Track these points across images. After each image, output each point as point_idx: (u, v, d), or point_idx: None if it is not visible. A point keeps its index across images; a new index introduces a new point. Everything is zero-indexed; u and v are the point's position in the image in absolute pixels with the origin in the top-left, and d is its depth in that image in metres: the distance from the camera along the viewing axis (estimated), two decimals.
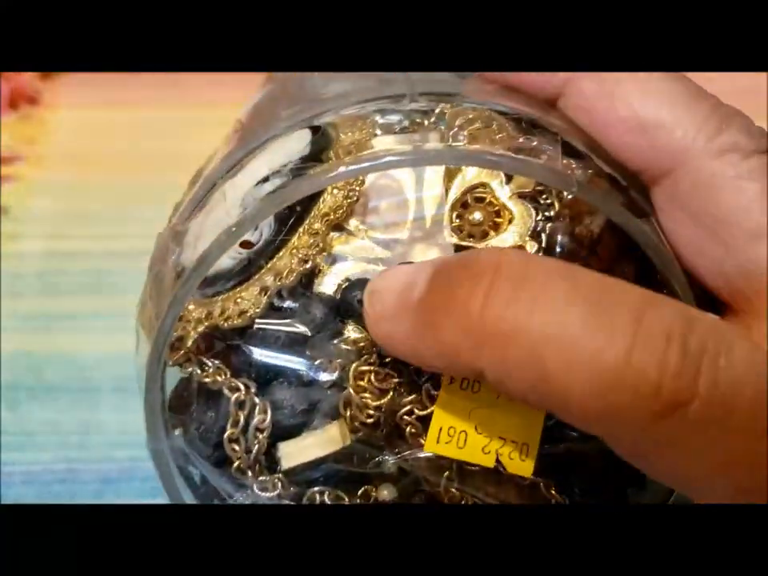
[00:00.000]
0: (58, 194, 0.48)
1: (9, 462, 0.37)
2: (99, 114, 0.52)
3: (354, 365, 0.25)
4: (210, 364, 0.26)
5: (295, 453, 0.25)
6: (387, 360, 0.25)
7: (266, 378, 0.26)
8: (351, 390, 0.25)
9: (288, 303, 0.26)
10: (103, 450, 0.37)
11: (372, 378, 0.25)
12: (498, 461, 0.24)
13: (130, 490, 0.36)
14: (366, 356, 0.25)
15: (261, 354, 0.25)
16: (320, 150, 0.25)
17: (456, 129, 0.25)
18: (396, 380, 0.25)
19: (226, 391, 0.25)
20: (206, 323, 0.25)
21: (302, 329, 0.25)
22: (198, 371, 0.26)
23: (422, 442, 0.25)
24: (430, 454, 0.25)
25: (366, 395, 0.25)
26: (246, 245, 0.25)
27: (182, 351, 0.25)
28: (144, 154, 0.50)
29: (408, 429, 0.26)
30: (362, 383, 0.25)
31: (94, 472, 0.37)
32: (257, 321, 0.25)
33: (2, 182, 0.48)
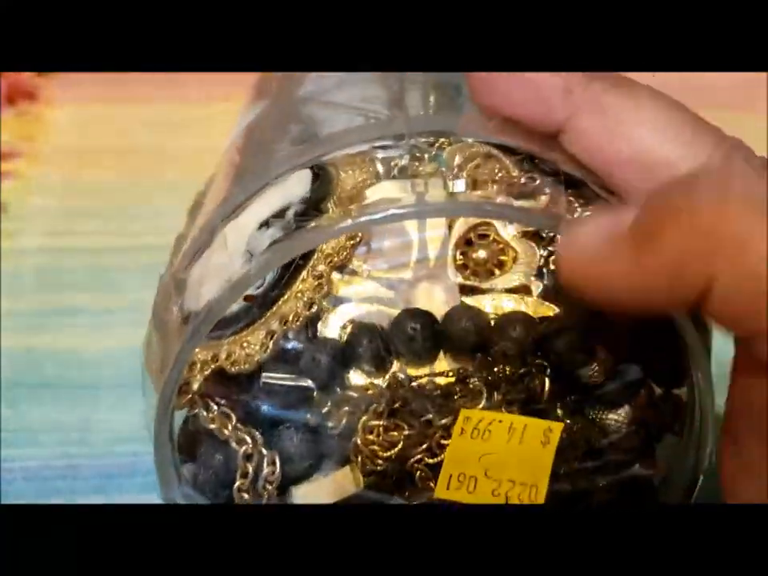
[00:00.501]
0: (57, 191, 0.48)
1: (9, 458, 0.37)
2: (97, 111, 0.52)
3: (362, 419, 0.26)
4: (215, 408, 0.26)
5: (308, 498, 0.26)
6: (396, 407, 0.26)
7: (273, 423, 0.26)
8: (360, 442, 0.25)
9: (293, 344, 0.26)
10: (104, 446, 0.37)
11: (381, 430, 0.26)
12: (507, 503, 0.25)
13: (131, 486, 0.36)
14: (374, 405, 0.26)
15: (267, 407, 0.25)
16: (322, 194, 0.25)
17: (456, 169, 0.25)
18: (405, 432, 0.26)
19: (233, 443, 0.25)
20: (212, 366, 0.25)
21: (307, 383, 0.25)
22: (204, 413, 0.26)
23: (432, 485, 0.25)
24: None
25: (375, 447, 0.26)
26: (248, 298, 0.25)
27: (189, 396, 0.25)
28: (142, 150, 0.50)
29: (418, 474, 0.26)
30: (370, 436, 0.25)
31: (95, 468, 0.37)
32: (263, 375, 0.26)
33: (1, 179, 0.47)
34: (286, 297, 0.25)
